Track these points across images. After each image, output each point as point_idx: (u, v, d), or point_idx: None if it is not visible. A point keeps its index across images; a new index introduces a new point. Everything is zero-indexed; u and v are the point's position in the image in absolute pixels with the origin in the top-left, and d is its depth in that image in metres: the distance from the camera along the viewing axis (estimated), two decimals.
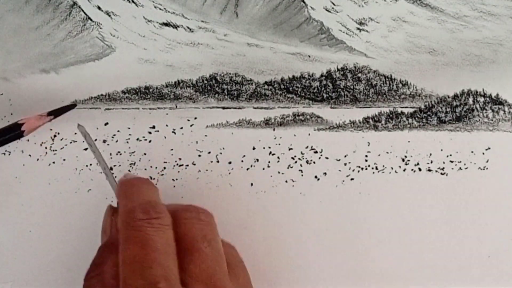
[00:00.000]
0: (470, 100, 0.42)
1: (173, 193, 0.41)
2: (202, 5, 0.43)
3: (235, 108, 0.42)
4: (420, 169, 0.41)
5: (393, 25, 0.43)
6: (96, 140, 0.41)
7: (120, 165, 0.41)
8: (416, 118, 0.42)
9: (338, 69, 0.42)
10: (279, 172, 0.41)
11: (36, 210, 0.40)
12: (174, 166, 0.41)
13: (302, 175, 0.41)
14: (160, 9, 0.43)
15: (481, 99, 0.42)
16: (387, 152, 0.41)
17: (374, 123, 0.42)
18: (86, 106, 0.41)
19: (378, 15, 0.43)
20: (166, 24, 0.43)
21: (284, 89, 0.42)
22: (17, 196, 0.41)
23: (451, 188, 0.41)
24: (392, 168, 0.41)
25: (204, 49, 0.42)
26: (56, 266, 0.40)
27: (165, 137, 0.41)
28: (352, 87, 0.42)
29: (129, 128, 0.42)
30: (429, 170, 0.41)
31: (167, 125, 0.42)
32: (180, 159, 0.41)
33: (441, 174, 0.41)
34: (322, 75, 0.42)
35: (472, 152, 0.41)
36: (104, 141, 0.41)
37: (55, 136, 0.41)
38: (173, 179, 0.41)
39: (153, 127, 0.42)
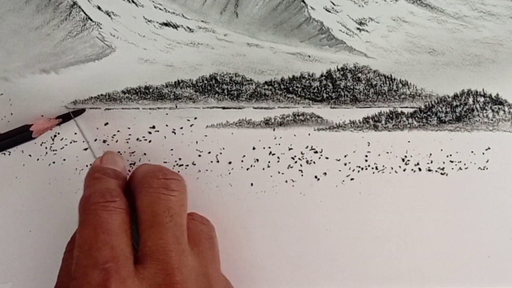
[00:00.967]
0: (470, 100, 0.42)
1: None
2: (202, 5, 0.43)
3: (235, 108, 0.42)
4: (420, 169, 0.41)
5: (393, 25, 0.43)
6: (96, 140, 0.41)
7: None
8: (416, 118, 0.42)
9: (338, 69, 0.42)
10: (279, 172, 0.41)
11: (36, 210, 0.40)
12: (174, 166, 0.41)
13: (302, 175, 0.41)
14: (160, 9, 0.43)
15: (481, 99, 0.42)
16: (387, 152, 0.41)
17: (374, 123, 0.42)
18: (86, 106, 0.41)
19: (378, 15, 0.43)
20: (166, 24, 0.43)
21: (284, 89, 0.42)
22: (17, 196, 0.41)
23: (451, 188, 0.41)
24: (392, 168, 0.41)
25: (204, 49, 0.42)
26: (56, 266, 0.40)
27: (165, 137, 0.41)
28: (352, 87, 0.42)
29: (129, 128, 0.42)
30: (429, 170, 0.41)
31: (167, 125, 0.42)
32: (180, 159, 0.41)
33: (441, 174, 0.41)
34: (322, 75, 0.42)
35: (472, 152, 0.41)
36: (104, 141, 0.41)
37: (55, 136, 0.41)
38: None
39: (153, 127, 0.42)
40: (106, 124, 0.41)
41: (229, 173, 0.41)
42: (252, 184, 0.41)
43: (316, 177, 0.41)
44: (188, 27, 0.43)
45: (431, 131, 0.42)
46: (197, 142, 0.41)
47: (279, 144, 0.41)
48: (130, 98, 0.42)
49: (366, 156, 0.41)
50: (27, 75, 0.42)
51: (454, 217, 0.40)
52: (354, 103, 0.42)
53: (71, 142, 0.41)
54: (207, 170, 0.41)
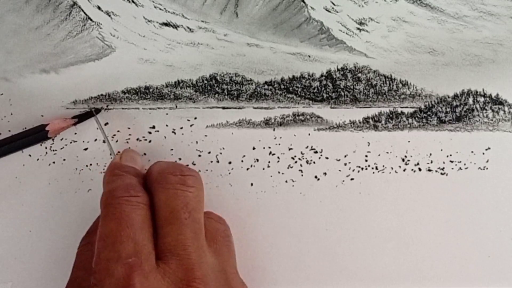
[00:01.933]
0: (470, 100, 0.42)
1: None
2: (202, 5, 0.43)
3: (235, 108, 0.42)
4: (420, 169, 0.41)
5: (393, 25, 0.43)
6: (96, 140, 0.41)
7: None
8: (416, 118, 0.42)
9: (338, 69, 0.42)
10: (279, 172, 0.41)
11: (36, 210, 0.40)
12: None
13: (302, 175, 0.41)
14: (160, 9, 0.43)
15: (481, 99, 0.42)
16: (387, 152, 0.41)
17: (374, 123, 0.42)
18: (86, 106, 0.41)
19: (378, 15, 0.43)
20: (166, 24, 0.43)
21: (284, 89, 0.42)
22: (17, 196, 0.41)
23: (451, 188, 0.41)
24: (392, 168, 0.41)
25: (204, 49, 0.42)
26: (56, 266, 0.40)
27: (165, 137, 0.41)
28: (352, 87, 0.42)
29: (129, 128, 0.42)
30: (429, 170, 0.41)
31: (167, 125, 0.42)
32: (180, 159, 0.41)
33: (441, 174, 0.41)
34: (322, 75, 0.42)
35: (472, 152, 0.41)
36: (104, 141, 0.41)
37: (55, 136, 0.41)
38: None
39: (153, 127, 0.42)
40: (106, 124, 0.42)
41: (229, 173, 0.41)
42: (252, 184, 0.41)
43: (316, 177, 0.41)
44: (188, 27, 0.43)
45: (431, 131, 0.42)
46: (197, 142, 0.41)
47: (279, 144, 0.41)
48: (130, 98, 0.42)
49: (366, 156, 0.41)
50: (27, 75, 0.42)
51: (454, 217, 0.41)
52: (354, 103, 0.42)
53: (71, 142, 0.41)
54: (207, 170, 0.41)
